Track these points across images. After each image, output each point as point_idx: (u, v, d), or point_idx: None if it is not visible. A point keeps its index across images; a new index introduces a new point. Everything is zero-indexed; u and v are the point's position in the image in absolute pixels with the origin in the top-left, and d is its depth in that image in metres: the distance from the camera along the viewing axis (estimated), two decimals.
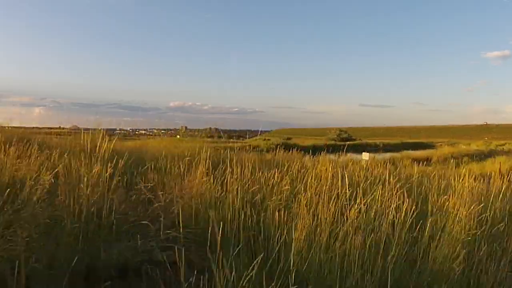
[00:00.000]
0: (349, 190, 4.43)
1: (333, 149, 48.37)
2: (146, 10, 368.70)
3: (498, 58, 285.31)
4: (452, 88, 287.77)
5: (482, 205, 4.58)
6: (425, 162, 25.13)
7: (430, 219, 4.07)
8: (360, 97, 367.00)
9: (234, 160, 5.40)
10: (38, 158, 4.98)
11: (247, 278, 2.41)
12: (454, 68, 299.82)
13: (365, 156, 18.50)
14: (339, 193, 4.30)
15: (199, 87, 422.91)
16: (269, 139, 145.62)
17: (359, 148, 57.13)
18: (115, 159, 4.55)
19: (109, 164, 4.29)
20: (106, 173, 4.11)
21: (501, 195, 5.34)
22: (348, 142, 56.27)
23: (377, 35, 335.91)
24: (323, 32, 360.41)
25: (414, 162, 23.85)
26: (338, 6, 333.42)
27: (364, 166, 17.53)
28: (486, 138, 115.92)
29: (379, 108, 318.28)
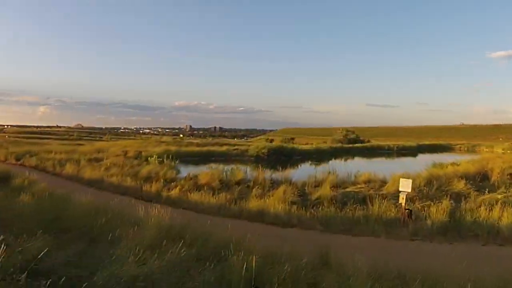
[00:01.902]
0: None
1: (339, 152, 39.26)
2: (150, 9, 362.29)
3: (503, 58, 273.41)
4: (457, 88, 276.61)
5: None
6: (482, 182, 16.91)
7: None
8: (364, 97, 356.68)
9: None
10: None
11: None
12: (458, 68, 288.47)
13: (405, 185, 10.23)
14: None
15: (204, 86, 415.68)
16: (272, 139, 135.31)
17: (369, 152, 48.76)
18: None
19: None
20: None
21: None
22: (356, 145, 47.61)
23: (382, 36, 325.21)
24: (329, 32, 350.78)
25: (466, 181, 15.29)
26: (342, 7, 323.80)
27: (403, 204, 8.95)
28: (500, 139, 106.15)
29: (384, 108, 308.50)
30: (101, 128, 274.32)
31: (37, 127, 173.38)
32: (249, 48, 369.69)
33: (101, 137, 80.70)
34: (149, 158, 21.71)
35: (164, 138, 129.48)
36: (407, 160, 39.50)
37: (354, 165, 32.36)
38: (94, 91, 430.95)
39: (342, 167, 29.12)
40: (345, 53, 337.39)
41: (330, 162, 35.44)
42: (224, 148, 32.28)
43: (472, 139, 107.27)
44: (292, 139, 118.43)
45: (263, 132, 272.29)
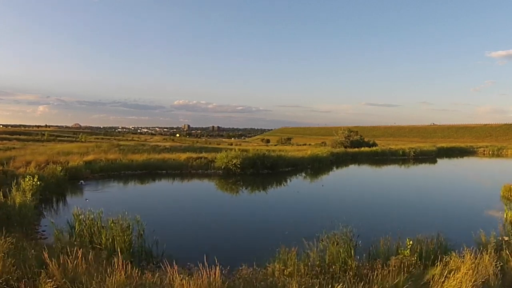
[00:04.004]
0: None
1: (343, 159, 29.28)
2: (152, 8, 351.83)
3: (505, 58, 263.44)
4: (459, 88, 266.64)
5: None
6: None
7: None
8: (366, 96, 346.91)
9: None
10: None
11: None
12: (461, 68, 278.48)
13: None
14: None
15: (204, 86, 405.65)
16: (268, 139, 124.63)
17: (380, 158, 35.80)
18: None
19: None
20: None
21: None
22: (363, 149, 37.78)
23: (383, 35, 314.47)
24: (329, 31, 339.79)
25: None
26: (344, 6, 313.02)
27: None
28: None
29: (385, 107, 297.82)
30: (98, 128, 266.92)
31: (26, 126, 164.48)
32: (249, 48, 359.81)
33: (77, 138, 71.07)
34: (22, 181, 12.25)
35: (155, 138, 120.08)
36: (437, 170, 29.57)
37: (371, 183, 21.67)
38: (94, 90, 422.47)
39: (353, 191, 19.39)
40: (345, 53, 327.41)
41: (332, 173, 25.81)
42: (184, 157, 22.67)
43: (483, 140, 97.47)
44: (289, 139, 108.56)
45: (262, 131, 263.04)
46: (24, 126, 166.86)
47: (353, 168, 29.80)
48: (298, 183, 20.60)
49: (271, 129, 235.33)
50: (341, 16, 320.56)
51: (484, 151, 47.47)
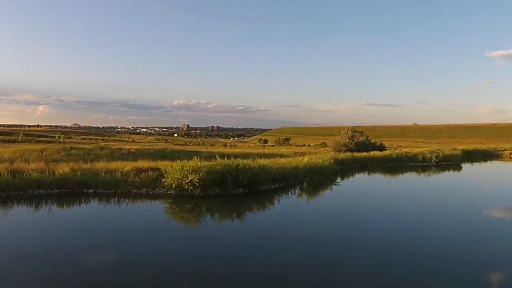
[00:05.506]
0: None
1: (350, 166, 21.74)
2: (151, 8, 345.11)
3: (505, 58, 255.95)
4: (459, 88, 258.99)
5: None
6: None
7: None
8: (365, 96, 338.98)
9: None
10: None
11: None
12: (460, 67, 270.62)
13: None
14: None
15: (204, 85, 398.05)
16: (266, 139, 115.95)
17: (395, 165, 27.50)
18: None
19: None
20: None
21: None
22: (374, 153, 30.37)
23: (383, 35, 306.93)
24: (329, 31, 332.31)
25: None
26: (344, 6, 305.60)
27: None
28: None
29: (385, 107, 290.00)
30: (98, 128, 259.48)
31: (20, 126, 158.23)
32: (249, 48, 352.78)
33: (53, 137, 64.12)
34: None
35: (148, 139, 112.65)
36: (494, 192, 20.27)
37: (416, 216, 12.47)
38: (94, 90, 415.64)
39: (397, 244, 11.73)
40: (345, 53, 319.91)
41: (335, 189, 18.61)
42: (128, 168, 15.57)
43: (493, 140, 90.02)
44: (288, 139, 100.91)
45: (261, 131, 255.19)
46: (17, 125, 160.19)
47: (364, 180, 22.57)
48: (289, 211, 13.34)
49: (271, 129, 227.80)
50: (341, 16, 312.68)
51: (511, 154, 40.22)
